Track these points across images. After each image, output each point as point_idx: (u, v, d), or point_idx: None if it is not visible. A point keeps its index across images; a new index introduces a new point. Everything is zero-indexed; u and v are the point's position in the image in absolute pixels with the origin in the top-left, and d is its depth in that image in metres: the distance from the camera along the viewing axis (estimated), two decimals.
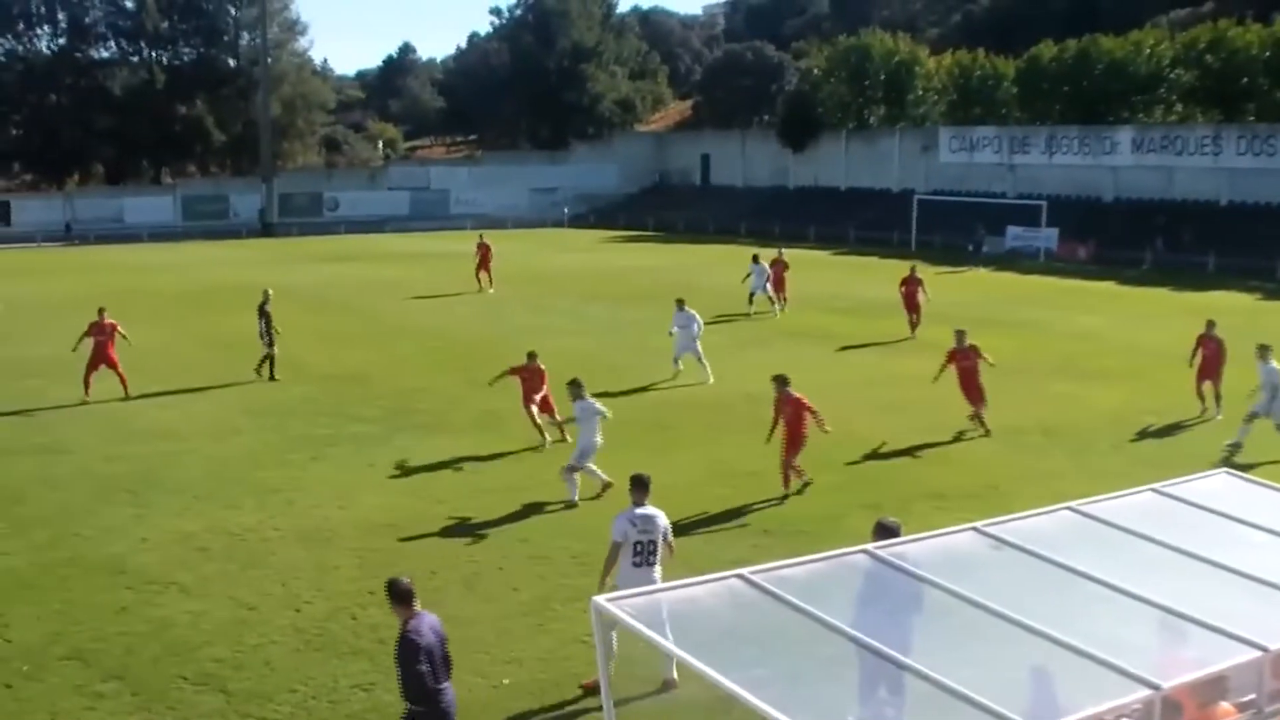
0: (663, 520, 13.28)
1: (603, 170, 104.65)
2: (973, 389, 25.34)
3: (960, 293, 50.60)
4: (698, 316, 31.78)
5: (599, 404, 20.91)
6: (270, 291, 32.68)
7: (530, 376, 24.12)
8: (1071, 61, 79.16)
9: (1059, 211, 69.63)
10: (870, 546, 9.84)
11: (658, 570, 13.09)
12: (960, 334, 25.92)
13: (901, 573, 9.38)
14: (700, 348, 31.17)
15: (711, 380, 30.36)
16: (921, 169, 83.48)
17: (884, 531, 11.11)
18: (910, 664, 8.09)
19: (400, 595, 10.49)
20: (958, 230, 70.74)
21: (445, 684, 10.68)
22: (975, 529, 10.10)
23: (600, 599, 8.64)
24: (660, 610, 8.59)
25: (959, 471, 22.13)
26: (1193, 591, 9.24)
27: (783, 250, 46.73)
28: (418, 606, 10.54)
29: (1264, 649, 8.49)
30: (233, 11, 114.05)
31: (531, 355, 24.36)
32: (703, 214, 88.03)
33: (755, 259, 44.49)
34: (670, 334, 32.03)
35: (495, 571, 16.79)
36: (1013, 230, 71.58)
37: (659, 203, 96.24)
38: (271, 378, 30.99)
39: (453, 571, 16.63)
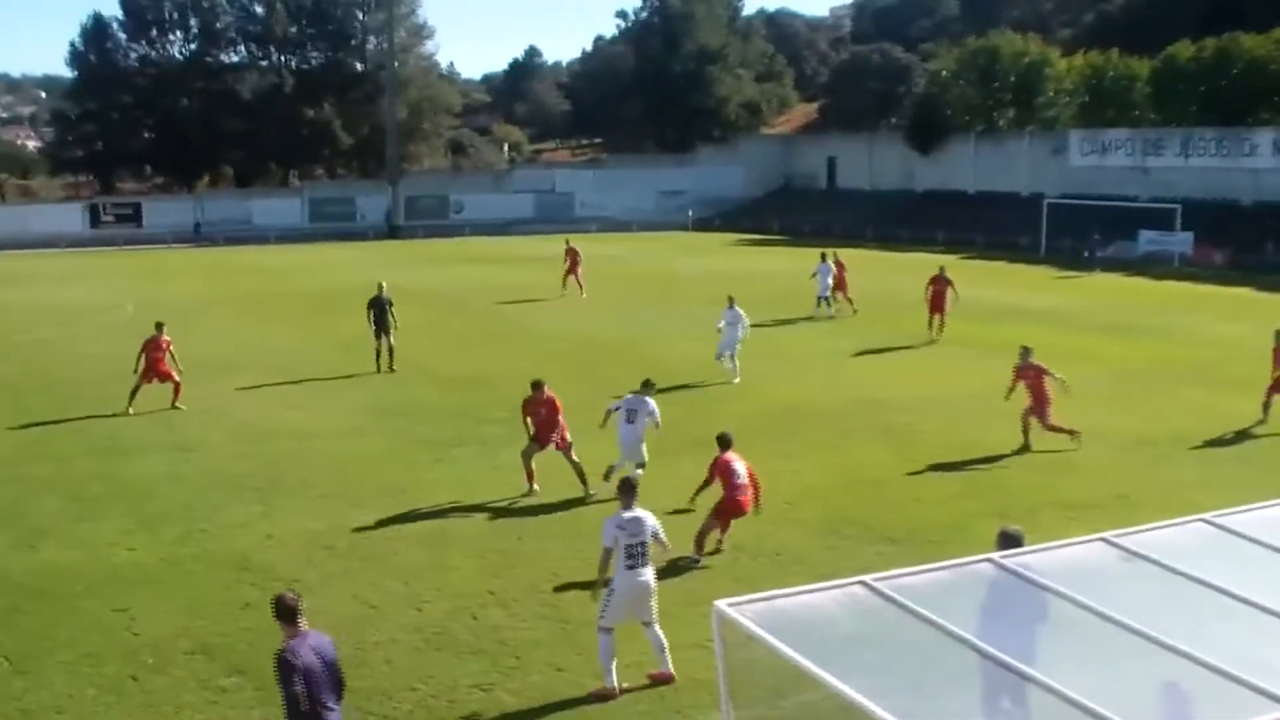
0: (651, 521, 13.53)
1: (728, 173, 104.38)
2: (1040, 405, 24.49)
3: (1089, 298, 49.81)
4: (745, 316, 31.72)
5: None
6: (384, 284, 33.58)
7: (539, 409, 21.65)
8: (1210, 61, 77.42)
9: (1194, 215, 68.05)
10: (995, 555, 9.69)
11: (649, 570, 13.46)
12: (1025, 351, 25.12)
13: (1027, 583, 9.21)
14: (739, 348, 31.31)
15: (738, 380, 30.54)
16: (1051, 172, 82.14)
17: (1007, 540, 10.94)
18: (1035, 675, 7.94)
19: (283, 612, 10.13)
20: (1089, 235, 69.68)
21: (333, 706, 10.15)
22: (1104, 540, 9.89)
23: (721, 604, 8.58)
24: (782, 617, 8.51)
25: (1086, 480, 21.71)
26: None
27: (836, 252, 45.89)
28: (303, 624, 10.17)
29: None
30: (360, 16, 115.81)
31: (538, 384, 21.83)
32: (828, 217, 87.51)
33: (824, 257, 44.01)
34: (718, 329, 31.95)
35: None
36: (1146, 234, 70.18)
37: (784, 206, 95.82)
38: (391, 369, 32.13)
39: (574, 574, 16.64)
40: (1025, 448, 24.09)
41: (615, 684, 13.32)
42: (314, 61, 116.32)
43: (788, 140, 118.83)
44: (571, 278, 49.47)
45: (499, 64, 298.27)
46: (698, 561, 17.48)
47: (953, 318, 37.88)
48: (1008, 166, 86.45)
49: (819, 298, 43.01)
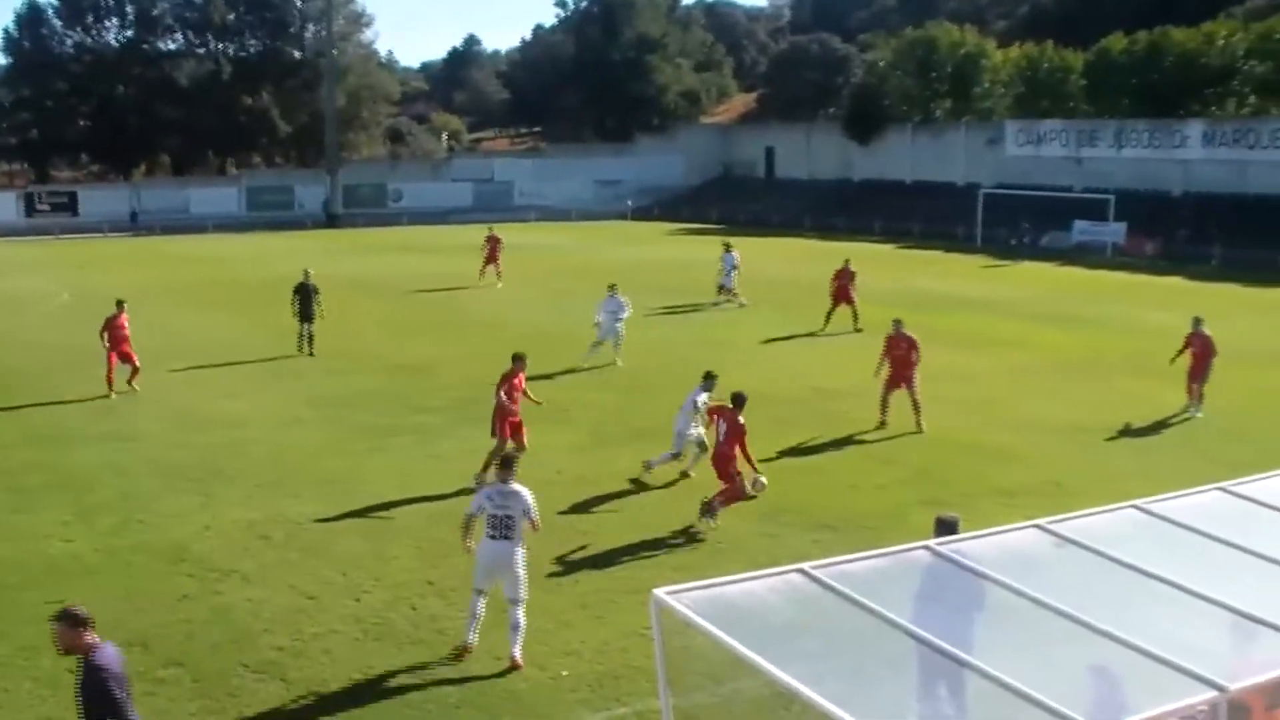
0: (525, 499, 13.68)
1: (667, 163, 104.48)
2: (908, 376, 24.88)
3: (1024, 287, 50.27)
4: (628, 304, 32.03)
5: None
6: (310, 271, 33.99)
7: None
8: (1142, 54, 78.33)
9: (1126, 206, 68.86)
10: (931, 543, 9.78)
11: (516, 546, 13.72)
12: (897, 322, 25.54)
13: (962, 569, 9.31)
14: (623, 332, 31.72)
15: (621, 364, 30.97)
16: (987, 162, 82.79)
17: (943, 527, 11.09)
18: (971, 661, 8.02)
19: (79, 621, 9.34)
20: (1021, 225, 70.30)
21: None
22: (1038, 526, 10.01)
23: (659, 592, 8.62)
24: (720, 604, 8.55)
25: (1023, 468, 21.93)
26: (1261, 593, 9.12)
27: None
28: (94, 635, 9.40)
29: None
30: (298, 3, 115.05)
31: (518, 357, 21.52)
32: (767, 207, 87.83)
33: (727, 248, 44.61)
34: (596, 323, 32.02)
35: (554, 563, 16.79)
36: (1080, 224, 70.97)
37: (723, 195, 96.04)
38: (310, 353, 32.74)
39: None
40: (882, 424, 24.66)
41: (469, 641, 13.79)
42: (252, 49, 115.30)
43: (726, 130, 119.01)
44: (491, 266, 49.46)
45: (438, 52, 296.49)
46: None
47: (893, 306, 38.08)
48: (944, 157, 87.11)
49: (721, 286, 43.63)
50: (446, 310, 42.41)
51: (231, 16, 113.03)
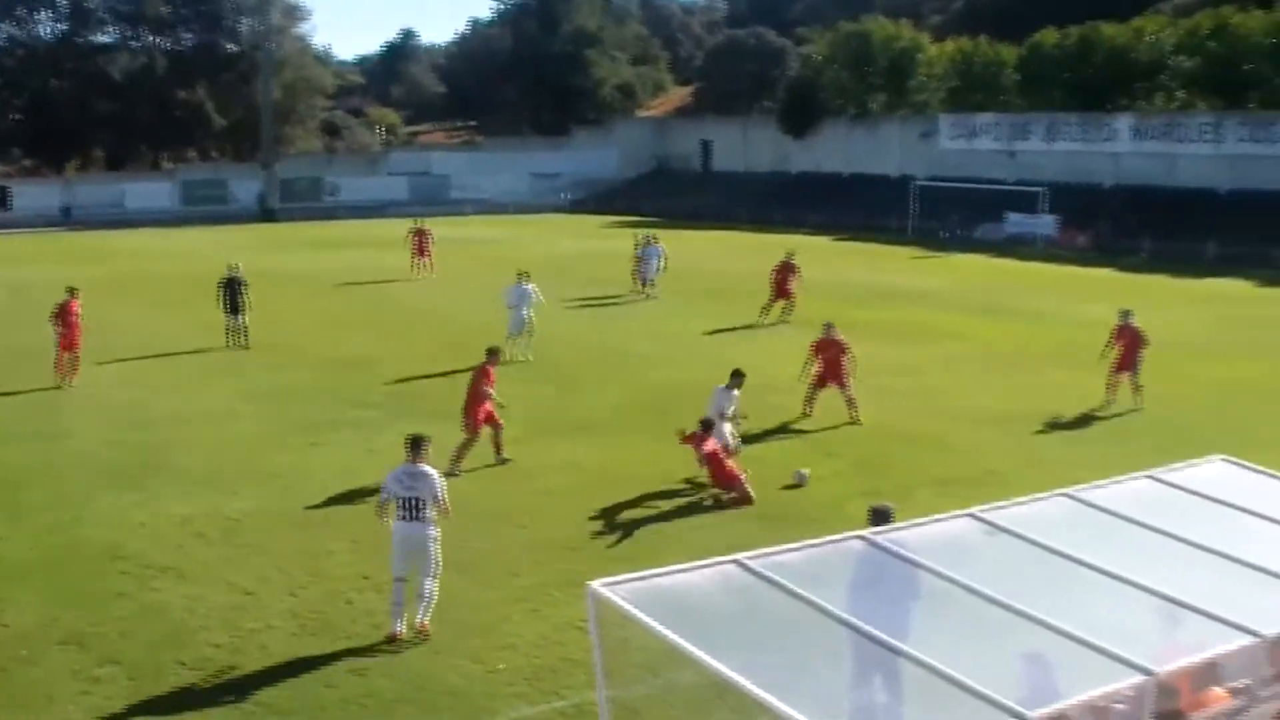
0: (433, 481, 14.15)
1: (603, 156, 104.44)
2: (838, 376, 25.16)
3: (958, 279, 50.65)
4: (536, 293, 32.02)
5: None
6: (238, 264, 34.13)
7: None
8: (1073, 48, 79.13)
9: (1058, 198, 69.55)
10: (866, 532, 9.86)
11: (428, 527, 14.15)
12: (828, 326, 25.75)
13: (897, 559, 9.39)
14: (532, 323, 31.63)
15: (531, 358, 30.74)
16: (922, 155, 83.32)
17: (878, 517, 11.20)
18: (906, 650, 8.11)
19: None
20: (949, 217, 70.87)
21: None
22: (972, 515, 10.11)
23: (595, 584, 8.66)
24: (656, 596, 8.59)
25: (960, 458, 22.12)
26: (1188, 578, 9.27)
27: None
28: None
29: (1259, 635, 8.52)
30: None
31: (492, 351, 22.45)
32: (703, 200, 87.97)
33: (652, 239, 45.03)
34: (509, 308, 32.02)
35: (492, 556, 16.80)
36: (1012, 217, 71.57)
37: (659, 189, 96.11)
38: (245, 345, 32.72)
39: (449, 556, 16.53)
40: (806, 415, 25.00)
41: (398, 629, 13.99)
42: (186, 42, 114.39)
43: (663, 123, 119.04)
44: (424, 259, 49.39)
45: (374, 46, 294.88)
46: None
47: (828, 300, 38.31)
48: (879, 150, 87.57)
49: (645, 279, 43.73)
50: (383, 304, 42.23)
51: (166, 9, 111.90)
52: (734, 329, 36.53)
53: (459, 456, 20.87)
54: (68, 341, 28.28)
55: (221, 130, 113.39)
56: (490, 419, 21.50)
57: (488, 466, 21.31)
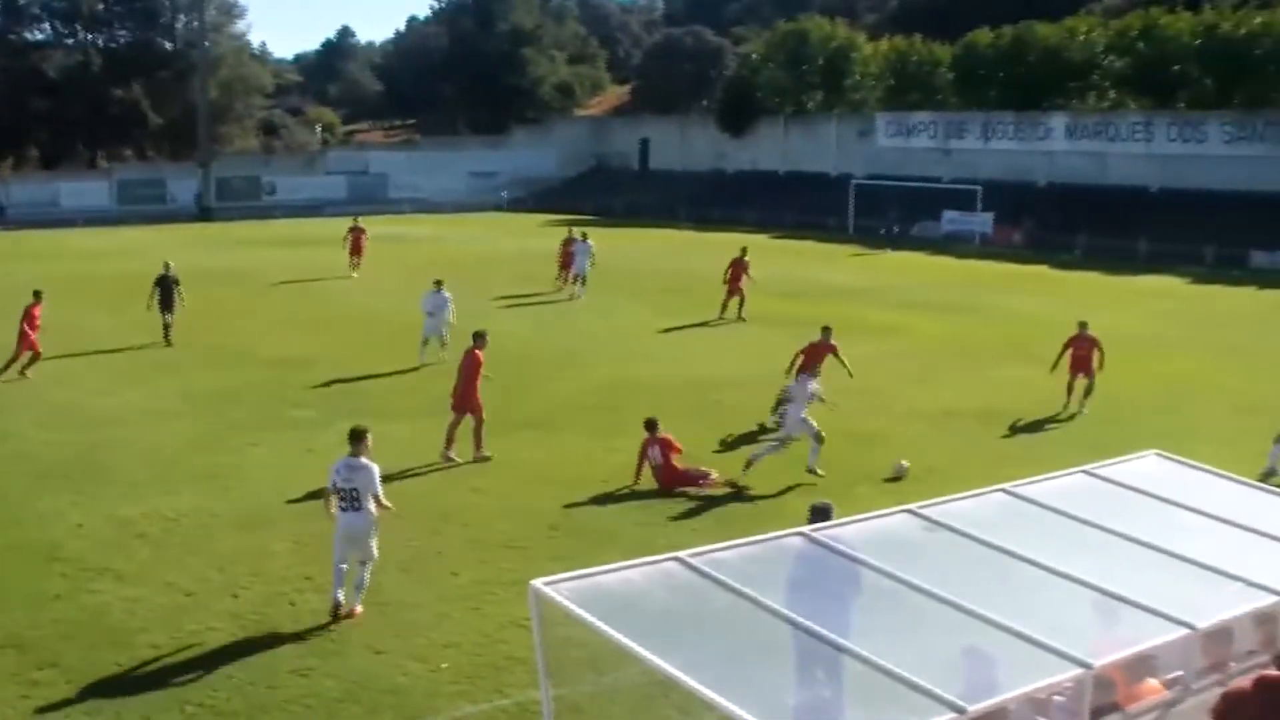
0: (369, 473, 14.60)
1: (541, 155, 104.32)
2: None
3: (896, 276, 50.98)
4: (450, 301, 31.48)
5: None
6: (171, 263, 34.37)
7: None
8: (1007, 48, 79.85)
9: (994, 196, 70.18)
10: (805, 529, 9.93)
11: (364, 516, 14.62)
12: (826, 330, 25.75)
13: (837, 555, 9.47)
14: (447, 332, 30.99)
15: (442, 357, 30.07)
16: (859, 154, 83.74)
17: (818, 514, 11.29)
18: (846, 645, 8.18)
19: None
20: (890, 215, 71.38)
21: None
22: (910, 511, 10.21)
23: (537, 583, 8.68)
24: (598, 594, 8.62)
25: (899, 454, 22.19)
26: (1124, 572, 9.40)
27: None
28: None
29: (1192, 627, 8.66)
30: None
31: (479, 334, 22.90)
32: (641, 198, 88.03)
33: (583, 236, 45.27)
34: (426, 314, 31.58)
35: (434, 556, 16.80)
36: (949, 215, 72.16)
37: (597, 187, 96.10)
38: (168, 343, 32.99)
39: (390, 556, 16.56)
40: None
41: (337, 597, 14.55)
42: (122, 40, 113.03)
43: (601, 122, 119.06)
44: (356, 258, 49.45)
45: (311, 44, 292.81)
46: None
47: (767, 296, 38.51)
48: (817, 148, 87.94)
49: (577, 275, 43.78)
50: (321, 304, 41.98)
51: (101, 7, 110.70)
52: (678, 328, 36.60)
53: (478, 443, 21.84)
54: (28, 344, 28.42)
55: (158, 129, 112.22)
56: (463, 408, 21.96)
57: (430, 466, 21.28)
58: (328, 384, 28.33)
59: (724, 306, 38.10)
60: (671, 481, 19.99)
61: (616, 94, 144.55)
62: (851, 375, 25.00)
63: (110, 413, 25.47)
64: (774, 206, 79.66)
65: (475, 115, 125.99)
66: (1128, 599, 8.93)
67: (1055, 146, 74.79)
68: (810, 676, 8.76)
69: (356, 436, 14.82)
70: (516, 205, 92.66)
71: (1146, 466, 11.76)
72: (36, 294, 29.24)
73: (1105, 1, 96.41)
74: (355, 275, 48.44)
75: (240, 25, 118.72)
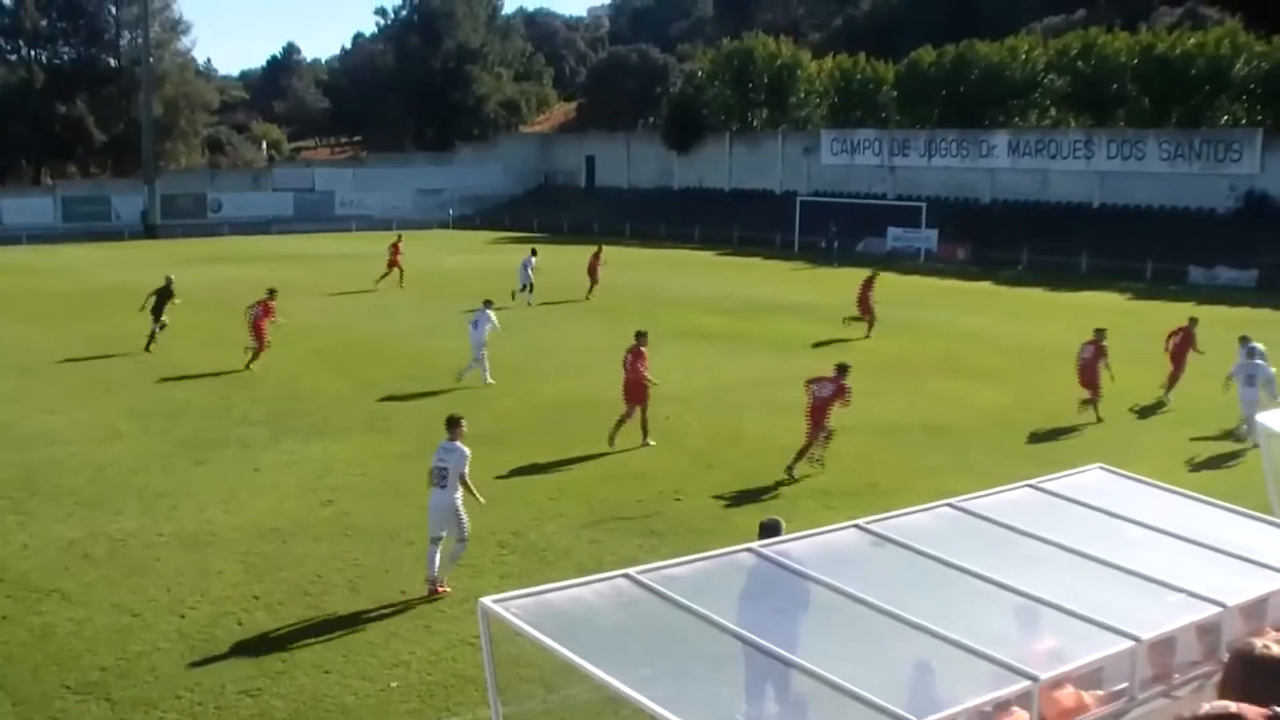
0: (460, 455, 16.05)
1: (488, 171, 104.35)
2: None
3: (841, 292, 51.11)
4: (494, 318, 31.45)
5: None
6: (171, 277, 35.65)
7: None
8: (949, 66, 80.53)
9: (938, 213, 70.88)
10: (755, 545, 9.97)
11: (447, 494, 16.03)
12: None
13: (786, 570, 9.52)
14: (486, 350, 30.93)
15: (491, 381, 30.16)
16: (804, 171, 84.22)
17: (767, 530, 11.35)
18: (796, 660, 8.22)
19: None
20: (841, 231, 71.79)
21: None
22: (857, 526, 10.27)
23: (486, 600, 8.69)
24: (547, 611, 8.64)
25: (843, 470, 22.39)
26: (1070, 585, 9.48)
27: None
28: None
29: (1137, 639, 8.76)
30: (113, 10, 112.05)
31: (641, 334, 25.20)
32: (588, 215, 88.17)
33: (534, 252, 48.33)
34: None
35: (381, 574, 16.74)
36: (893, 231, 72.67)
37: (544, 204, 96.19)
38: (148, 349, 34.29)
39: (338, 574, 16.57)
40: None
41: (432, 577, 15.98)
42: (66, 56, 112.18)
43: (547, 139, 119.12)
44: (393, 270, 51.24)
45: (257, 60, 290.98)
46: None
47: (712, 313, 38.63)
48: (762, 165, 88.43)
49: (524, 286, 46.00)
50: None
51: (44, 23, 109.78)
52: (623, 343, 36.55)
53: (645, 431, 24.12)
54: None
55: (103, 145, 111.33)
56: (642, 398, 24.06)
57: (366, 483, 21.22)
58: (273, 401, 28.19)
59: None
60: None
61: (563, 111, 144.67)
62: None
63: (55, 432, 25.23)
64: (720, 223, 79.98)
65: (422, 132, 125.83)
66: (1074, 611, 9.01)
67: (998, 164, 75.57)
68: (760, 692, 8.80)
69: (452, 423, 16.35)
70: (463, 222, 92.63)
71: (1091, 480, 11.87)
72: None
73: (1045, 21, 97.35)
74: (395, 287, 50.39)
75: (185, 42, 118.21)
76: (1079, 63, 75.65)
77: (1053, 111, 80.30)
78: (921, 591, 9.27)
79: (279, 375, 31.18)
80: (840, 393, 21.99)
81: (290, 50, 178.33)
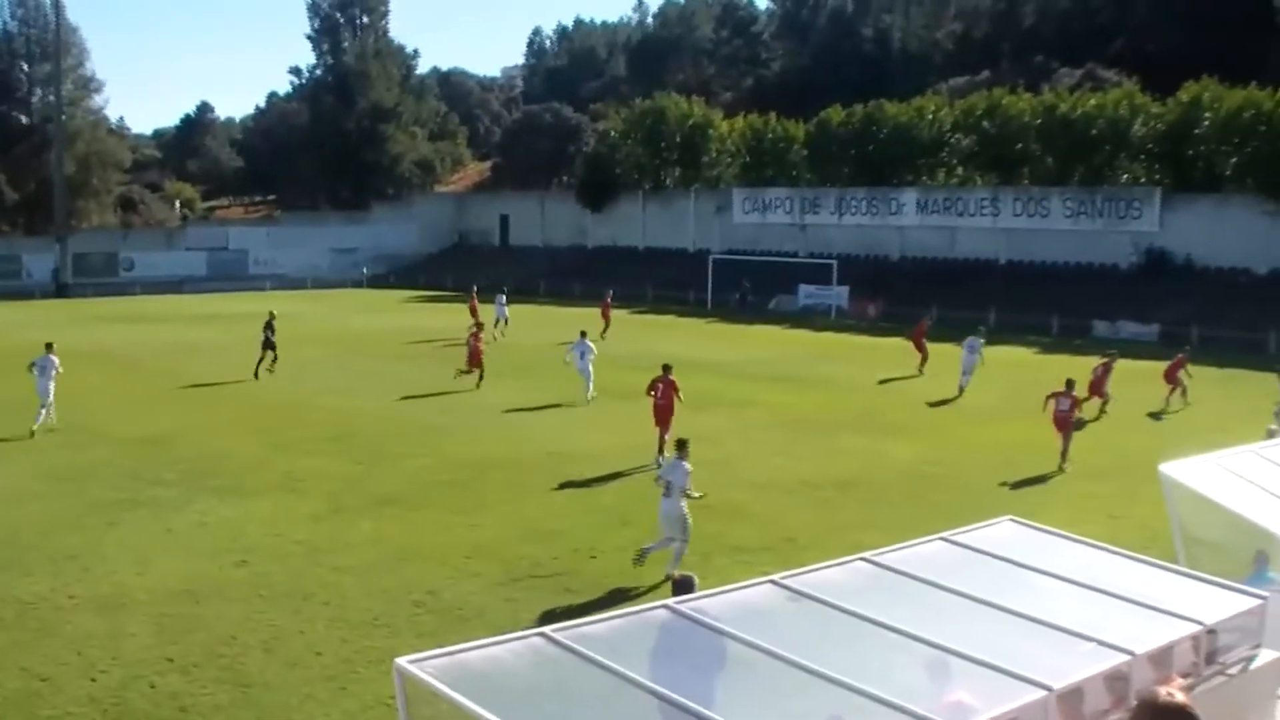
0: (681, 470, 19.22)
1: (402, 230, 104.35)
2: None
3: (755, 349, 51.59)
4: (592, 347, 37.17)
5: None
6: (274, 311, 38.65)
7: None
8: (858, 125, 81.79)
9: (849, 270, 71.78)
10: (670, 601, 10.03)
11: (672, 503, 19.08)
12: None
13: (701, 627, 9.58)
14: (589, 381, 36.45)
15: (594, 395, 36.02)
16: (716, 229, 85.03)
17: (680, 587, 11.44)
18: (712, 717, 8.28)
19: None
20: (754, 288, 72.33)
21: None
22: (773, 581, 10.34)
23: (401, 661, 8.69)
24: (463, 671, 8.64)
25: (756, 525, 22.51)
26: (982, 636, 9.61)
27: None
28: None
29: (1048, 689, 8.90)
30: (25, 67, 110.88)
31: (668, 366, 29.06)
32: (502, 273, 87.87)
33: (504, 291, 54.40)
34: (567, 361, 37.52)
35: (296, 635, 16.60)
36: (805, 289, 73.44)
37: (459, 263, 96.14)
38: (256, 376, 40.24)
39: (253, 636, 16.41)
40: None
41: (670, 571, 17.90)
42: None
43: (461, 198, 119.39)
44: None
45: (170, 119, 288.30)
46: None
47: (624, 370, 38.73)
48: (675, 223, 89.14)
49: (498, 320, 51.64)
50: (179, 381, 41.28)
51: None
52: (536, 407, 36.60)
53: (661, 449, 27.14)
54: None
55: (14, 204, 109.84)
56: (669, 420, 27.86)
57: (280, 544, 21.06)
58: (186, 461, 27.90)
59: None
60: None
61: (477, 170, 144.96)
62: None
63: None
64: (635, 281, 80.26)
65: (336, 191, 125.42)
66: (986, 662, 9.14)
67: (906, 221, 76.75)
68: None
69: (680, 445, 19.93)
70: (377, 281, 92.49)
71: (1002, 532, 12.04)
72: None
73: (950, 82, 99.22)
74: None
75: (98, 100, 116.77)
76: (984, 122, 77.21)
77: (960, 170, 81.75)
78: (836, 645, 9.35)
79: (190, 437, 30.88)
80: (1075, 403, 28.34)
81: (204, 109, 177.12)
